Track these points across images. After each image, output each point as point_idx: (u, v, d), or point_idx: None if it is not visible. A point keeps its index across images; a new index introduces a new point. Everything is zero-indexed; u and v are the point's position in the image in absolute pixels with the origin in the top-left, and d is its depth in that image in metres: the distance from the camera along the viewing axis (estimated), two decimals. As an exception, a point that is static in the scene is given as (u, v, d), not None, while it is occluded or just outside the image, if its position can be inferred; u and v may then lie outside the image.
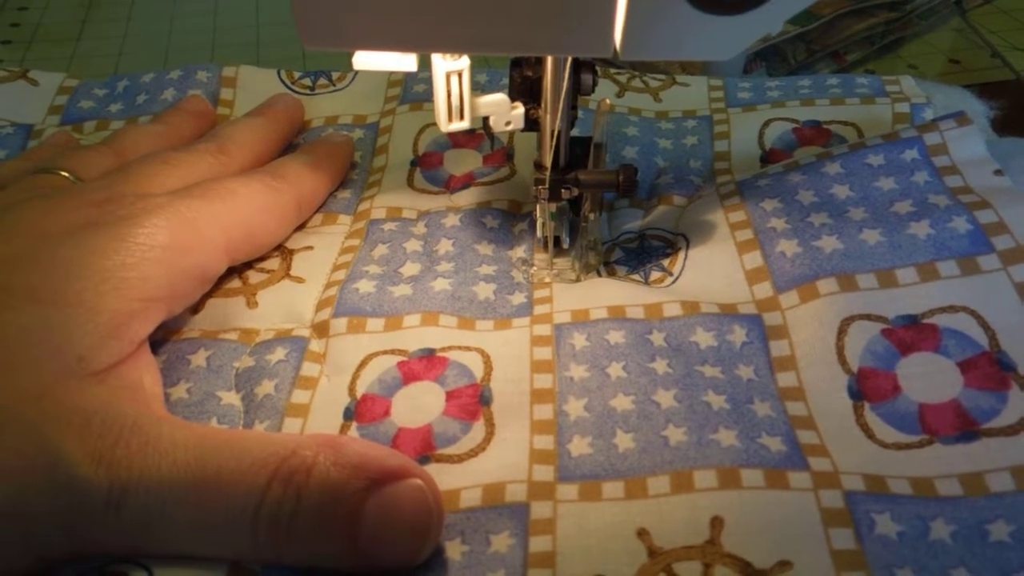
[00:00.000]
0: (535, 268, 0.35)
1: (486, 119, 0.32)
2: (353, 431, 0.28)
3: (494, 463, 0.27)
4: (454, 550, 0.25)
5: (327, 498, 0.23)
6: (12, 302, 0.26)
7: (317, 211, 0.39)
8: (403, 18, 0.25)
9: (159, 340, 0.32)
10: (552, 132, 0.31)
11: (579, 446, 0.27)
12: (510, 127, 0.32)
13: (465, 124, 0.31)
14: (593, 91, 0.32)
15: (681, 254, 0.35)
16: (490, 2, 0.24)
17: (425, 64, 0.30)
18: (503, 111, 0.32)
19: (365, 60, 0.29)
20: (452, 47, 0.27)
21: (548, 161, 0.32)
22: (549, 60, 0.30)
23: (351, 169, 0.42)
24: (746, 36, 0.26)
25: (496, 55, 0.48)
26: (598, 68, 0.46)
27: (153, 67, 0.49)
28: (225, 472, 0.23)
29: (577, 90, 0.32)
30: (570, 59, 0.30)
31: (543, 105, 0.31)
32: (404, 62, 0.30)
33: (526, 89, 0.32)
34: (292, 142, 0.43)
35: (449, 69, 0.29)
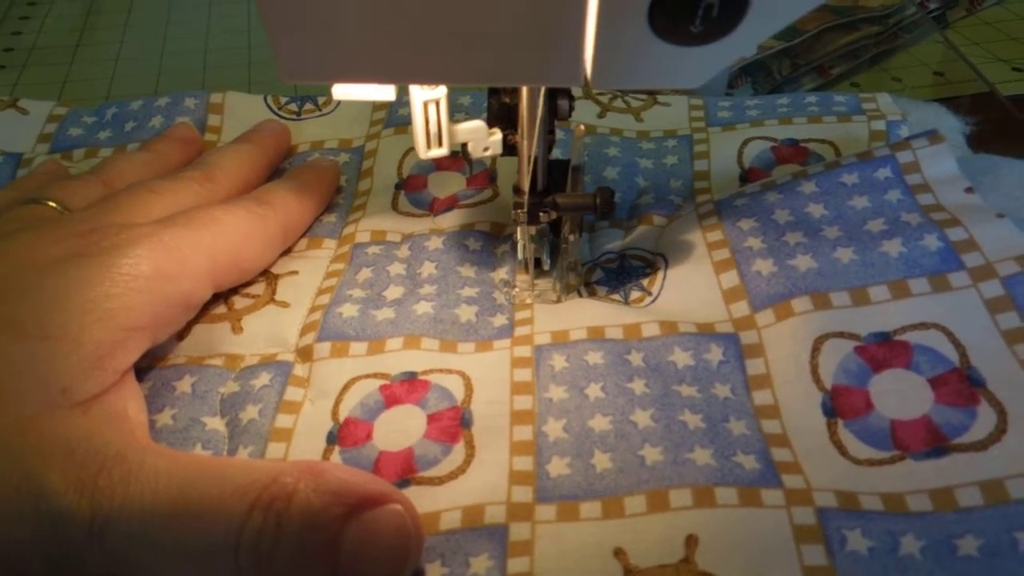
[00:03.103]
0: (517, 290, 0.35)
1: (464, 145, 0.32)
2: (336, 455, 0.29)
3: (474, 485, 0.27)
4: (434, 573, 0.25)
5: (307, 525, 0.24)
6: (-3, 334, 0.26)
7: (303, 235, 0.39)
8: (379, 51, 0.25)
9: (144, 367, 0.32)
10: (529, 157, 0.32)
11: (557, 466, 0.28)
12: (488, 152, 0.33)
13: (444, 151, 0.31)
14: (570, 116, 0.32)
15: (660, 274, 0.35)
16: (463, 35, 0.25)
17: (406, 89, 0.31)
18: (481, 137, 0.32)
19: (344, 91, 0.30)
20: (427, 78, 0.28)
21: (526, 185, 0.33)
22: (525, 88, 0.30)
23: (337, 193, 0.42)
24: (717, 63, 0.26)
25: (471, 86, 0.49)
26: (581, 89, 0.47)
27: (146, 89, 0.49)
28: (206, 500, 0.24)
29: (554, 115, 0.32)
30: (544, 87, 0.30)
31: (520, 131, 0.32)
32: (382, 92, 0.30)
33: (504, 115, 0.32)
34: (279, 167, 0.44)
35: (426, 98, 0.30)
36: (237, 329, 0.34)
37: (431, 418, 0.30)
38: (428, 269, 0.36)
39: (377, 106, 0.47)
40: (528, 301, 0.35)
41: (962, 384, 0.28)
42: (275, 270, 0.37)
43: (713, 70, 0.26)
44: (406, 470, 0.28)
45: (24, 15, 1.15)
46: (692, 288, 0.34)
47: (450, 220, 0.39)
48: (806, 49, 0.77)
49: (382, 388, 0.31)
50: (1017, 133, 0.48)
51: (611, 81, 0.26)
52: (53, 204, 0.34)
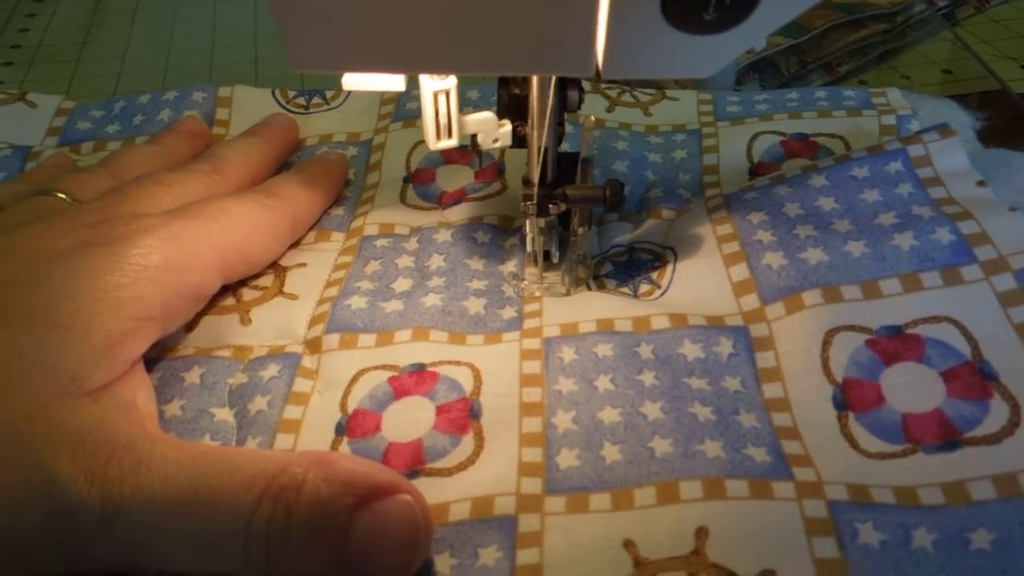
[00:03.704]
0: (525, 282, 0.35)
1: (474, 137, 0.32)
2: (344, 446, 0.29)
3: (483, 476, 0.27)
4: (443, 564, 0.25)
5: (317, 515, 0.23)
6: (7, 323, 0.26)
7: (311, 228, 0.39)
8: (390, 40, 0.25)
9: (154, 358, 0.32)
10: (539, 149, 0.32)
11: (567, 458, 0.28)
12: (498, 144, 0.32)
13: (453, 142, 0.31)
14: (580, 108, 0.32)
15: (669, 267, 0.35)
16: (474, 24, 0.25)
17: (415, 83, 0.31)
18: (491, 129, 0.32)
19: (353, 81, 0.30)
20: (438, 68, 0.28)
21: (536, 177, 0.33)
22: (535, 78, 0.30)
23: (345, 186, 0.42)
24: (727, 53, 0.26)
25: (481, 75, 0.49)
26: (590, 83, 0.47)
27: (153, 86, 0.49)
28: (216, 490, 0.24)
29: (564, 107, 0.32)
30: (555, 77, 0.30)
31: (530, 122, 0.32)
32: (392, 82, 0.30)
33: (513, 107, 0.32)
34: (287, 160, 0.44)
35: (436, 88, 0.30)
36: (246, 321, 0.34)
37: (440, 410, 0.30)
38: (437, 262, 0.36)
39: (385, 100, 0.47)
40: (537, 294, 0.35)
41: (974, 377, 0.28)
42: (283, 262, 0.37)
43: (725, 60, 0.26)
44: (415, 461, 0.28)
45: (31, 12, 1.15)
46: (702, 281, 0.34)
47: (458, 213, 0.39)
48: (814, 46, 0.76)
49: (391, 380, 0.31)
50: (1028, 129, 0.48)
51: (622, 71, 0.26)
52: (62, 195, 0.34)
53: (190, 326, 0.34)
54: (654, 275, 0.35)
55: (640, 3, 0.24)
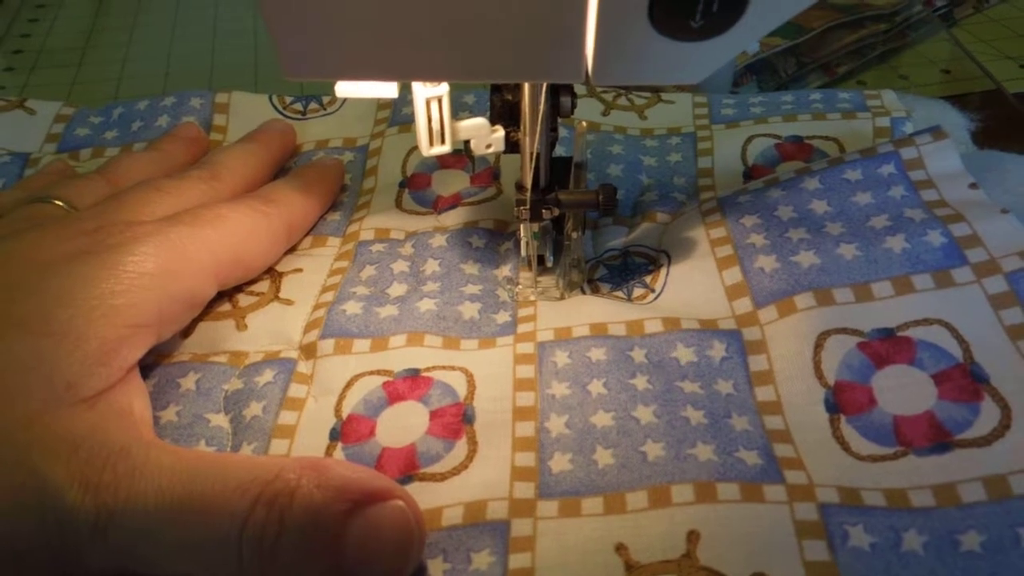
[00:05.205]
0: (520, 287, 0.36)
1: (467, 142, 0.32)
2: (339, 451, 0.29)
3: (476, 481, 0.28)
4: (436, 568, 0.25)
5: (310, 521, 0.24)
6: (2, 330, 0.26)
7: (307, 234, 0.40)
8: (382, 48, 0.25)
9: (150, 364, 0.32)
10: (532, 154, 0.32)
11: (560, 463, 0.28)
12: (491, 150, 0.33)
13: (446, 148, 0.31)
14: (572, 113, 0.33)
15: (663, 271, 0.35)
16: (465, 32, 0.25)
17: (410, 87, 0.31)
18: (483, 134, 0.32)
19: (347, 88, 0.30)
20: (429, 75, 0.28)
21: (529, 182, 0.33)
22: (527, 84, 0.30)
23: (341, 191, 0.42)
24: (716, 59, 0.26)
25: (472, 82, 0.49)
26: (585, 87, 0.47)
27: (154, 90, 0.50)
28: (210, 496, 0.24)
29: (556, 112, 0.32)
30: (546, 83, 0.30)
31: (522, 128, 0.32)
32: (385, 89, 0.30)
33: (506, 112, 0.32)
34: (284, 166, 0.44)
35: (429, 95, 0.30)
36: (241, 326, 0.34)
37: (434, 414, 0.30)
38: (432, 267, 0.37)
39: (381, 105, 0.47)
40: (531, 298, 0.35)
41: (966, 380, 0.28)
42: (280, 268, 0.37)
43: (714, 65, 0.26)
44: (409, 466, 0.28)
45: (33, 17, 1.16)
46: (695, 285, 0.34)
47: (454, 218, 0.40)
48: (812, 47, 0.76)
49: (385, 385, 0.31)
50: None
51: (612, 77, 0.26)
52: (60, 203, 0.34)
53: (186, 332, 0.34)
54: (648, 279, 0.35)
55: (628, 10, 0.24)
